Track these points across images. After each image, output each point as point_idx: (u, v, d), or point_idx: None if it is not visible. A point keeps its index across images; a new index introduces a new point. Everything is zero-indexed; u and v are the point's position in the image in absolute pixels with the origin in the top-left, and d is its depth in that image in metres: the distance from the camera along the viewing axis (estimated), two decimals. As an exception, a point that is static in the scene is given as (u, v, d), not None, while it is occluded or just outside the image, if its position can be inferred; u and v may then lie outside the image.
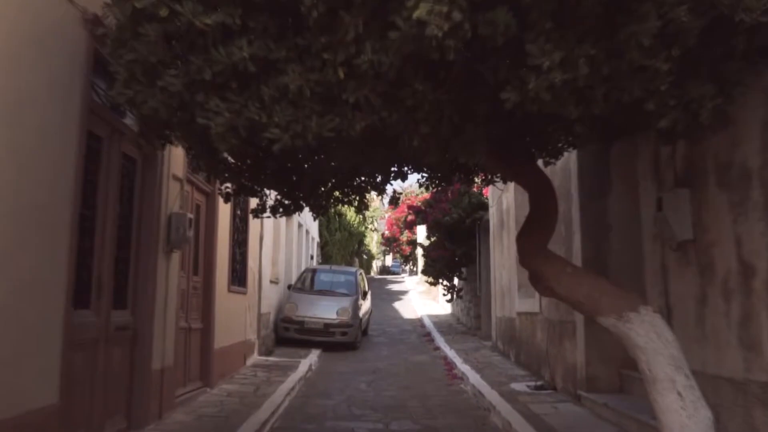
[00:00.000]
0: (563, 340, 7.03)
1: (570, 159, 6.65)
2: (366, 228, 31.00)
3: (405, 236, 34.87)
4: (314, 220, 6.18)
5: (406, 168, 5.71)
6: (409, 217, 17.16)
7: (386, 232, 37.96)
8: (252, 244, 9.81)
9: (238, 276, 8.96)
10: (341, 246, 24.02)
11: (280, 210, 5.84)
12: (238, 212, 8.95)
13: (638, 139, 5.02)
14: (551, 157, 4.34)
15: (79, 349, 4.27)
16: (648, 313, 3.33)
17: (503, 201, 10.41)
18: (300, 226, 15.96)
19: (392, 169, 5.66)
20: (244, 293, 9.28)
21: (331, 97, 2.55)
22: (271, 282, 11.73)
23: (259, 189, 5.67)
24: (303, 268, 15.41)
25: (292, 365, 9.33)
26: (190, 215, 6.09)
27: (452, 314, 18.59)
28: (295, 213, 5.91)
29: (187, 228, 5.93)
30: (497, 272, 11.03)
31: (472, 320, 14.79)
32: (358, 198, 5.88)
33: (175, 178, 6.07)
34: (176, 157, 5.98)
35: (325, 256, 21.88)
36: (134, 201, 5.39)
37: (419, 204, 15.95)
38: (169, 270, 5.89)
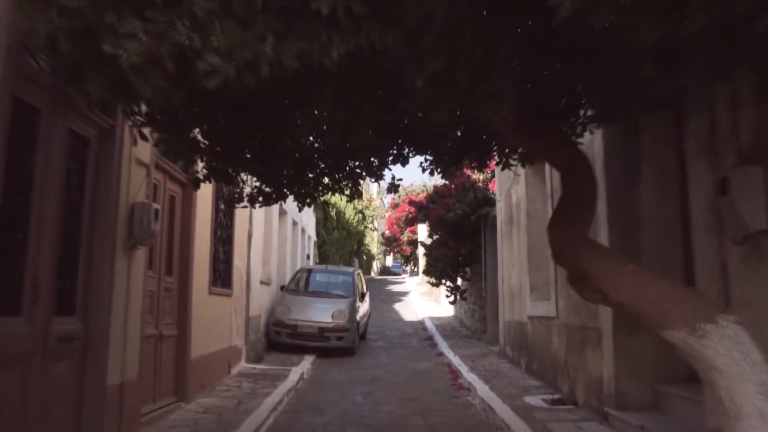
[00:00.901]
0: (585, 349, 6.19)
1: (594, 141, 5.82)
2: (365, 227, 30.11)
3: (406, 236, 34.05)
4: (299, 211, 5.33)
5: (406, 149, 4.90)
6: (410, 214, 16.29)
7: (386, 232, 37.15)
8: (239, 241, 8.99)
9: (222, 276, 8.13)
10: (339, 245, 23.14)
11: (260, 199, 5.03)
12: (222, 206, 8.12)
13: (688, 105, 4.19)
14: (588, 127, 3.52)
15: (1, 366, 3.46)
16: (729, 325, 2.50)
17: (512, 194, 9.57)
18: (295, 223, 15.13)
19: (391, 151, 4.85)
20: (230, 295, 8.45)
21: (295, 9, 1.72)
22: (262, 283, 10.90)
23: (234, 174, 4.85)
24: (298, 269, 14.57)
25: (281, 374, 8.50)
26: (157, 205, 5.26)
27: (455, 316, 17.76)
28: (277, 202, 5.10)
29: (152, 220, 5.11)
30: (505, 272, 10.19)
31: (477, 323, 13.95)
32: (351, 185, 5.06)
33: (140, 162, 5.24)
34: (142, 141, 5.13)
35: (323, 256, 21.00)
36: (86, 188, 4.56)
37: (421, 200, 15.07)
38: (131, 269, 5.06)
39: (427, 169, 4.95)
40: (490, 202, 12.29)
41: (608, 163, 5.70)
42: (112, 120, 4.70)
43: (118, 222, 4.83)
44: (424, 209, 13.50)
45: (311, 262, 18.20)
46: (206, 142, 4.53)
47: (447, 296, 14.30)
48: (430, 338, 13.88)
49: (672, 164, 5.55)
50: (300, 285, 12.79)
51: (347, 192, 5.00)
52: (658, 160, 5.58)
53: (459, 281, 14.18)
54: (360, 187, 5.06)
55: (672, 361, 5.33)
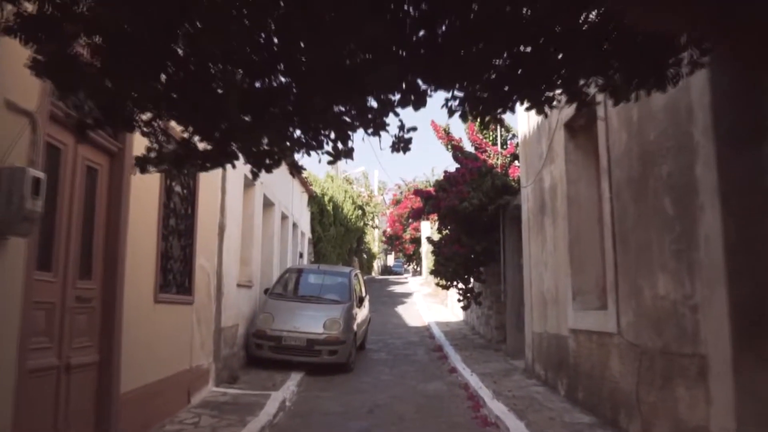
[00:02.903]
0: (673, 384, 4.37)
1: (692, 84, 4.00)
2: (365, 224, 28.24)
3: (408, 233, 32.32)
4: (254, 178, 3.55)
5: (422, 84, 3.11)
6: (416, 205, 14.44)
7: (388, 230, 35.41)
8: (205, 235, 7.17)
9: (177, 279, 6.31)
10: (337, 243, 21.25)
11: (191, 160, 3.22)
12: (178, 188, 6.32)
13: None
14: None
15: None
16: None
17: (545, 177, 7.75)
18: (285, 217, 13.31)
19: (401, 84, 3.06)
20: (190, 303, 6.64)
21: None
22: (240, 286, 9.07)
23: (141, 117, 3.05)
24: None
25: (256, 402, 6.69)
26: (39, 174, 3.44)
27: (465, 322, 15.92)
28: (221, 166, 3.27)
29: (28, 195, 3.30)
30: (534, 273, 8.37)
31: (494, 331, 12.12)
32: (335, 139, 3.26)
33: (15, 108, 3.44)
34: (22, 74, 3.25)
35: (319, 254, 19.14)
36: None
37: (429, 191, 13.22)
38: (-7, 270, 3.26)
39: (455, 111, 3.14)
40: (511, 190, 10.47)
41: (718, 114, 3.89)
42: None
43: (-37, 196, 3.04)
44: (432, 199, 11.64)
45: (305, 262, 16.38)
46: (96, 63, 2.75)
47: (459, 300, 12.47)
48: (440, 348, 12.06)
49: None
50: (287, 288, 10.94)
51: (328, 148, 3.19)
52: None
53: (472, 282, 12.34)
54: (350, 142, 3.25)
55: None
